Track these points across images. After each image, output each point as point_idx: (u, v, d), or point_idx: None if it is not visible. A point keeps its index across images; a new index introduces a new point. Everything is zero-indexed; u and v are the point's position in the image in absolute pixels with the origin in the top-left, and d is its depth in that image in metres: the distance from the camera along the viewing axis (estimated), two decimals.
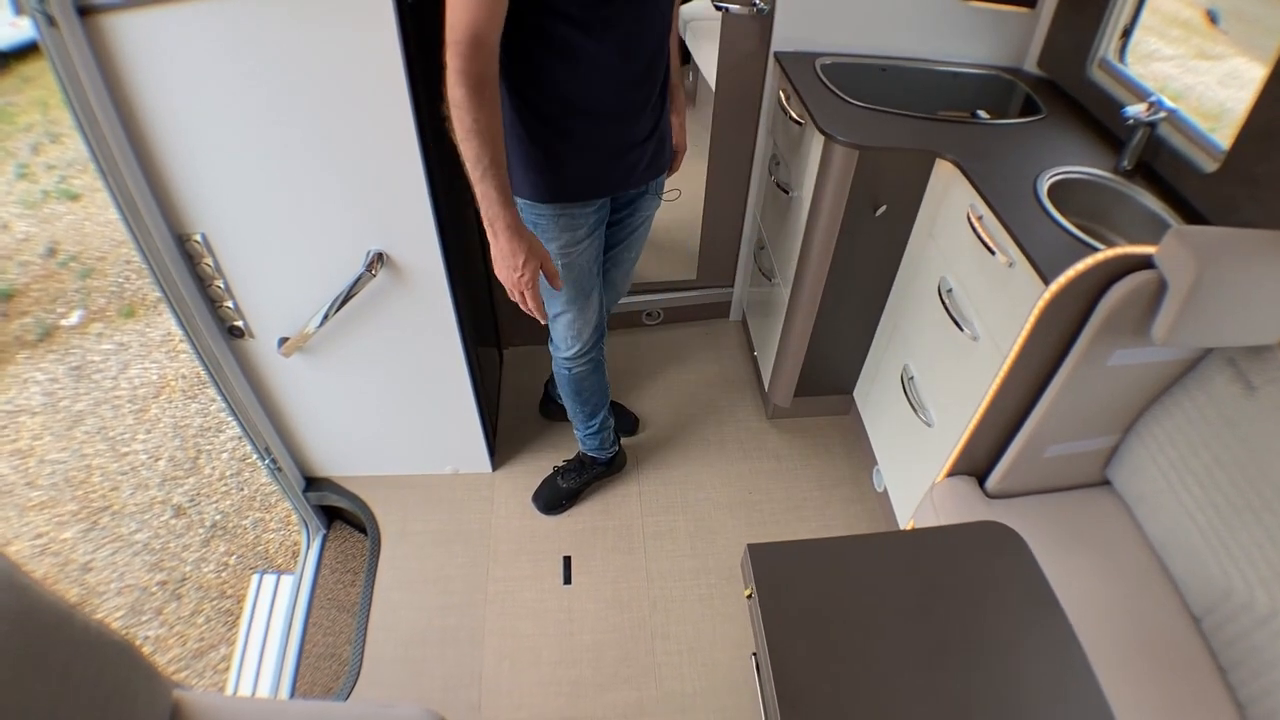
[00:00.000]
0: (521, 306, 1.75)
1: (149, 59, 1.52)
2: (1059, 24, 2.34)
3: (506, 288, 1.72)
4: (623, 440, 2.80)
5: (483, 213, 1.59)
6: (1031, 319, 1.63)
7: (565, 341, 2.16)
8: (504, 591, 2.36)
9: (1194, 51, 4.89)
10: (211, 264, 1.87)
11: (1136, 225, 1.93)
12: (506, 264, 1.66)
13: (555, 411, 2.81)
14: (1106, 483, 1.98)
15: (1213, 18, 2.11)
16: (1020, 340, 1.68)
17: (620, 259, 2.20)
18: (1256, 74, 1.64)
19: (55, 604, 1.17)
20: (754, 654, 1.16)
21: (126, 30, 1.47)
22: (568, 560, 2.44)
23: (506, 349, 3.12)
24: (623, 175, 1.87)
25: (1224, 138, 1.80)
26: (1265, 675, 1.49)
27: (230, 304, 1.96)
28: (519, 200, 1.81)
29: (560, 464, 2.64)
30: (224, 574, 2.78)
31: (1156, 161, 1.96)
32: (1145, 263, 1.53)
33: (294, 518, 2.85)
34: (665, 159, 1.97)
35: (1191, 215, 1.84)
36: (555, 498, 2.60)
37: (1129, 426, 1.86)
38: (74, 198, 4.72)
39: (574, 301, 2.04)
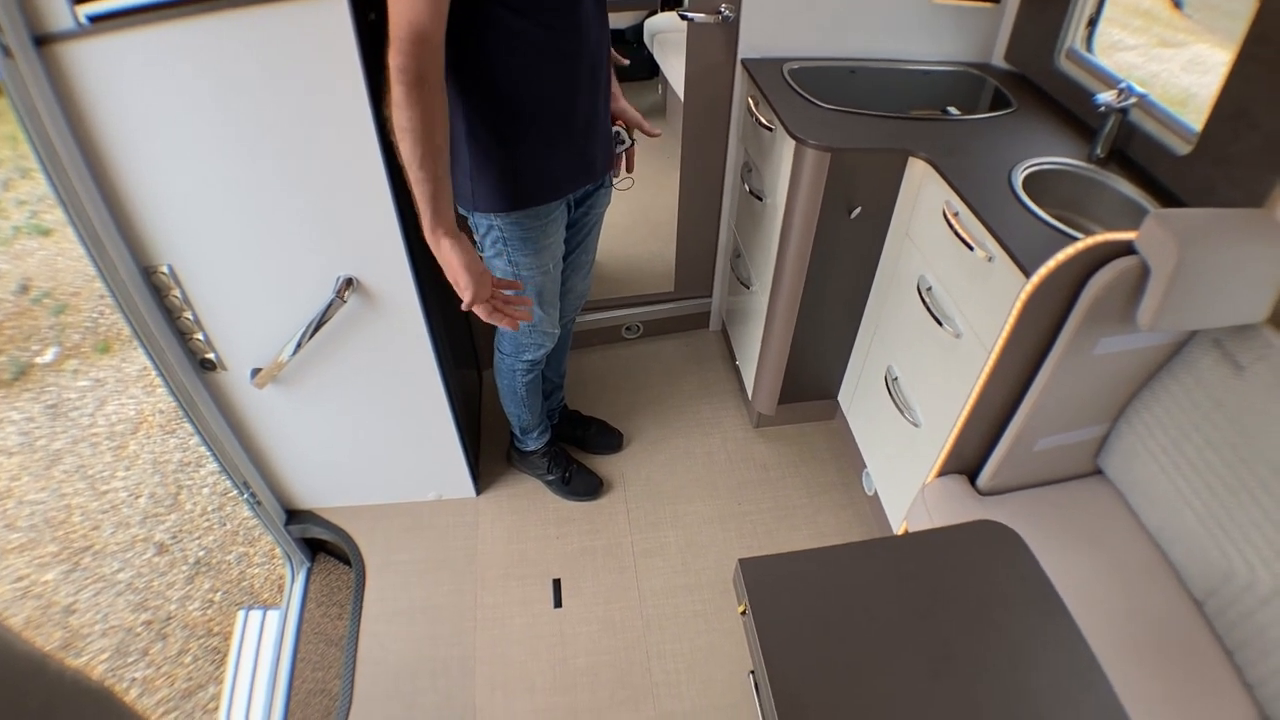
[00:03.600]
0: (500, 321, 1.73)
1: (109, 89, 1.49)
2: (1025, 17, 2.34)
3: (477, 302, 1.67)
4: (607, 457, 2.79)
5: (423, 217, 1.55)
6: (1014, 313, 1.61)
7: (523, 348, 2.18)
8: (493, 618, 2.32)
9: (1156, 40, 4.95)
10: (179, 296, 1.83)
11: (1114, 212, 1.93)
12: (475, 271, 1.62)
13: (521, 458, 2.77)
14: (1099, 472, 1.96)
15: (1176, 2, 2.12)
16: (1004, 335, 1.66)
17: (579, 263, 2.19)
18: (1218, 59, 1.65)
19: (28, 653, 1.12)
20: (751, 672, 1.13)
21: (85, 60, 1.44)
22: (557, 583, 2.40)
23: (486, 370, 3.08)
24: (585, 168, 1.88)
25: (1193, 121, 1.80)
26: (1273, 655, 1.47)
27: (200, 336, 1.92)
28: (485, 217, 1.81)
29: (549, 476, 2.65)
30: (209, 611, 2.73)
31: (1130, 147, 1.97)
32: (1126, 249, 1.51)
33: (278, 551, 2.81)
34: (612, 150, 1.98)
35: (1168, 199, 1.84)
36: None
37: (1118, 414, 1.84)
38: (46, 233, 4.66)
39: (541, 306, 2.04)
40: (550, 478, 2.63)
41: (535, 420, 2.50)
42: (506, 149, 1.69)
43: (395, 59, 1.37)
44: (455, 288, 1.64)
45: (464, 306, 1.66)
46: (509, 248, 1.86)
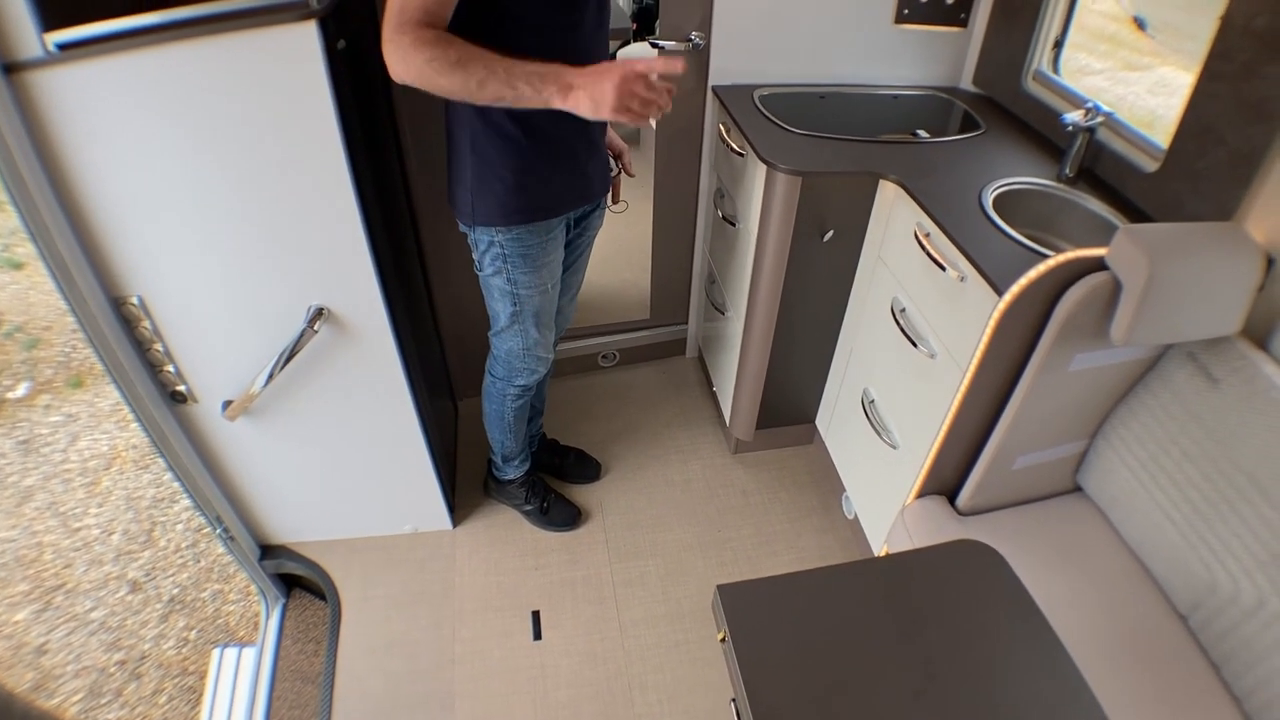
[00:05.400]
0: (653, 110, 1.50)
1: (78, 117, 1.47)
2: (991, 40, 2.37)
3: (631, 106, 1.47)
4: (586, 487, 2.77)
5: (541, 99, 1.46)
6: (988, 331, 1.62)
7: (517, 372, 2.16)
8: (472, 652, 2.28)
9: (1122, 64, 5.03)
10: (149, 327, 1.80)
11: (1084, 230, 1.94)
12: (612, 81, 1.44)
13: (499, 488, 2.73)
14: (1078, 489, 1.96)
15: (1140, 24, 2.15)
16: (978, 354, 1.66)
17: (569, 284, 2.20)
18: (1183, 80, 1.68)
19: None
20: (733, 700, 1.11)
21: (54, 89, 1.42)
22: (536, 615, 2.37)
23: (461, 400, 3.06)
24: (584, 187, 1.89)
25: (1160, 140, 1.82)
26: (1259, 666, 1.47)
27: (171, 368, 1.89)
28: (486, 232, 1.81)
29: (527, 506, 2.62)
30: (184, 650, 2.67)
31: (1098, 166, 1.99)
32: (1097, 265, 1.52)
33: (253, 588, 2.76)
34: (609, 172, 2.00)
35: (1137, 215, 1.86)
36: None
37: (1096, 430, 1.85)
38: (18, 266, 4.61)
39: (538, 328, 2.04)
40: (528, 508, 2.60)
41: (518, 447, 2.47)
42: (510, 164, 1.70)
43: (409, 33, 1.39)
44: (613, 80, 1.43)
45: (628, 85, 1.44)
46: (509, 265, 1.85)
